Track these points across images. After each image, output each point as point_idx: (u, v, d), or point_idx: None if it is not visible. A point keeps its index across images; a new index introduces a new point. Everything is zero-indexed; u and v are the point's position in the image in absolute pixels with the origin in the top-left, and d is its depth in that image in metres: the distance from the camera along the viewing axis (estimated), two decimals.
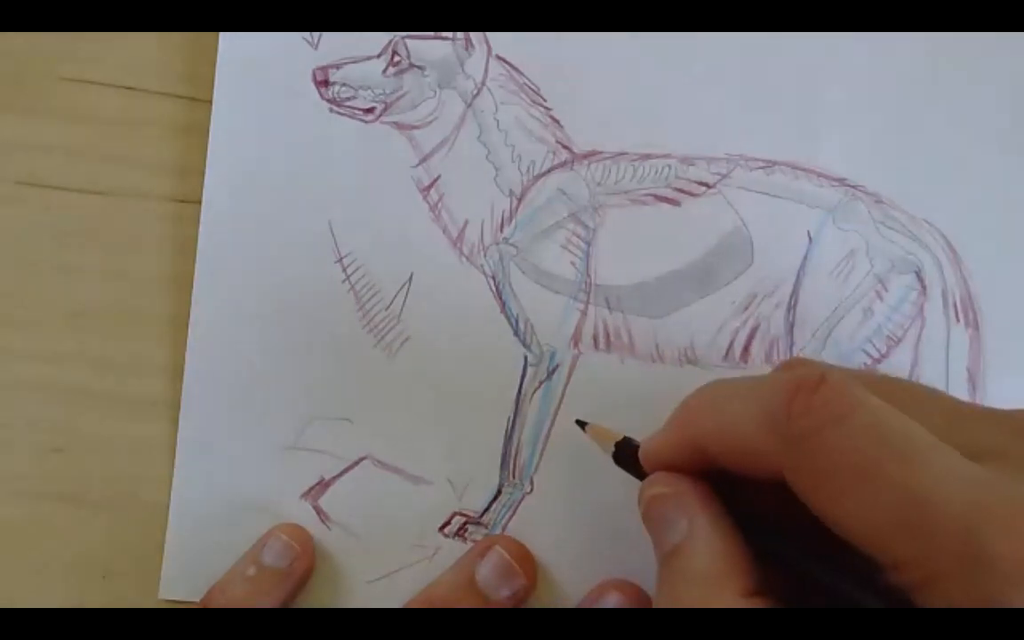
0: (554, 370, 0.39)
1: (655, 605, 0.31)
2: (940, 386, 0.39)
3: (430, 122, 0.40)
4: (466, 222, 0.39)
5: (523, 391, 0.39)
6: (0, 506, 0.40)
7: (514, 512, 0.39)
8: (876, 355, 0.39)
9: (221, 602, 0.38)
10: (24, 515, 0.40)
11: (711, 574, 0.30)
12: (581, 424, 0.37)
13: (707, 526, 0.31)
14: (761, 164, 0.39)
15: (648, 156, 0.40)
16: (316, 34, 0.40)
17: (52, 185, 0.41)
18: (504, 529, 0.39)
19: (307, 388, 0.39)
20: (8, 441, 0.40)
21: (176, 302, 0.40)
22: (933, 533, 0.26)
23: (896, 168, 0.40)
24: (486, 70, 0.40)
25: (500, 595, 0.38)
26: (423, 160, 0.40)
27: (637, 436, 0.34)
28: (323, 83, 0.40)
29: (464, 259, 0.39)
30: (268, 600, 0.38)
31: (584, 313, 0.39)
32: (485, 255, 0.39)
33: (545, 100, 0.40)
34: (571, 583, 0.39)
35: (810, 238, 0.39)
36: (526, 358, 0.39)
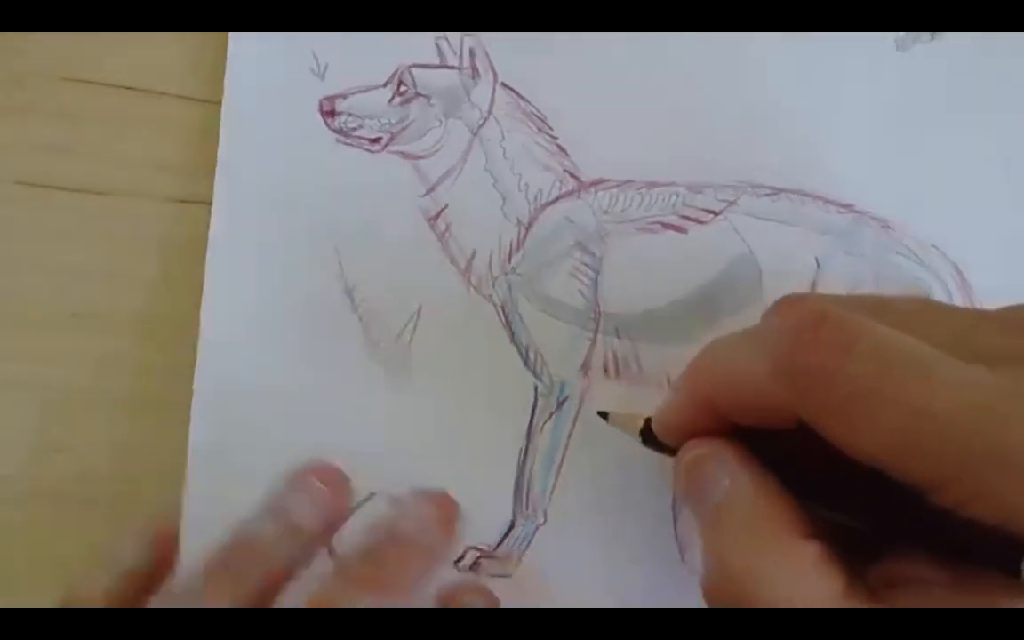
0: (565, 400, 0.39)
1: (703, 572, 0.31)
2: None
3: (436, 151, 0.40)
4: (474, 252, 0.39)
5: (534, 422, 0.39)
6: (0, 506, 0.40)
7: (528, 544, 0.39)
8: None
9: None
10: (25, 516, 0.40)
11: (756, 520, 0.30)
12: (603, 415, 0.37)
13: (749, 480, 0.31)
14: (768, 191, 0.39)
15: (655, 184, 0.40)
16: (322, 64, 0.40)
17: (52, 185, 0.41)
18: (519, 561, 0.39)
19: (314, 418, 0.39)
20: (9, 441, 0.40)
21: (175, 303, 0.40)
22: (943, 442, 0.26)
23: (904, 193, 0.40)
24: (492, 98, 0.40)
25: (311, 518, 0.37)
26: (430, 190, 0.40)
27: None
28: (329, 113, 0.40)
29: (472, 289, 0.39)
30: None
31: (593, 342, 0.39)
32: (494, 285, 0.39)
33: (551, 128, 0.40)
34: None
35: (818, 264, 0.39)
36: (536, 388, 0.39)
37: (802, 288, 0.39)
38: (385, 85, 0.40)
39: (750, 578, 0.29)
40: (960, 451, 0.26)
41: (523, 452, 0.39)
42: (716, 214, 0.39)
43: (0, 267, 0.41)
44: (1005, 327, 0.30)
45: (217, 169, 0.40)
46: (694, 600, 0.33)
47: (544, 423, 0.39)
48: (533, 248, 0.40)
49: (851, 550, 0.30)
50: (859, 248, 0.39)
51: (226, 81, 0.40)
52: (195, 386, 0.39)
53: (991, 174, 0.40)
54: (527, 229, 0.40)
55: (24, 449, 0.40)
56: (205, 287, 0.39)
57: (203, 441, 0.39)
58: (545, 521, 0.39)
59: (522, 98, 0.40)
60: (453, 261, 0.39)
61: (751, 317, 0.39)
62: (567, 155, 0.40)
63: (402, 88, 0.40)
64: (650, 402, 0.38)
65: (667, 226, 0.40)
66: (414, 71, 0.40)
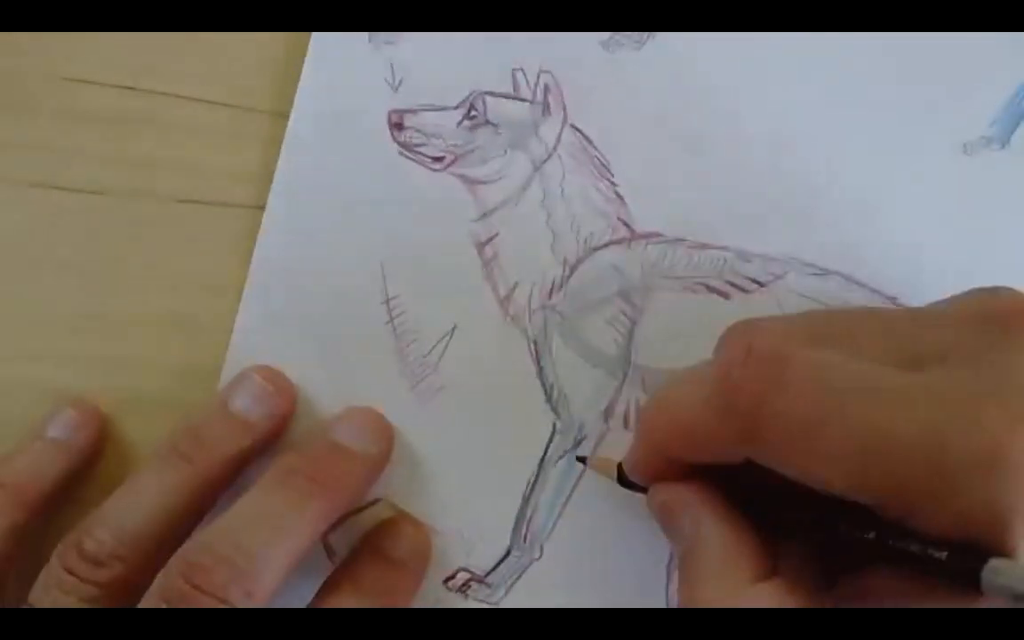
0: (581, 441, 0.39)
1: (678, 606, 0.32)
2: None
3: (496, 180, 0.40)
4: (516, 284, 0.40)
5: (547, 456, 0.39)
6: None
7: (519, 576, 0.39)
8: None
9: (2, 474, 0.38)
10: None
11: (721, 566, 0.30)
12: (581, 460, 0.38)
13: (712, 523, 0.31)
14: (816, 271, 0.39)
15: (706, 246, 0.40)
16: (398, 77, 0.41)
17: (53, 185, 0.41)
18: (509, 591, 0.39)
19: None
20: (11, 441, 0.40)
21: (180, 303, 0.41)
22: (881, 458, 0.26)
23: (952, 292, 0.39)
24: (559, 137, 0.40)
25: (258, 417, 0.38)
26: (484, 216, 0.40)
27: None
28: (397, 126, 0.41)
29: (509, 319, 0.40)
30: (51, 472, 0.39)
31: (619, 390, 0.39)
32: (530, 319, 0.40)
33: (613, 175, 0.40)
34: None
35: None
36: (555, 425, 0.39)
37: None
38: (456, 107, 0.41)
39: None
40: (901, 465, 0.26)
41: (531, 484, 0.39)
42: (761, 285, 0.39)
43: (2, 268, 0.41)
44: (940, 324, 0.30)
45: (277, 168, 0.41)
46: None
47: (557, 460, 0.39)
48: (575, 289, 0.40)
49: (824, 568, 0.30)
50: None
51: (300, 83, 0.41)
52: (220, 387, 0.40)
53: None
54: (572, 269, 0.40)
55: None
56: (245, 290, 0.40)
57: None
58: (541, 556, 0.39)
59: (589, 141, 0.40)
60: (494, 289, 0.40)
61: None
62: (624, 204, 0.40)
63: (472, 113, 0.41)
64: None
65: (711, 289, 0.40)
66: (487, 98, 0.41)
